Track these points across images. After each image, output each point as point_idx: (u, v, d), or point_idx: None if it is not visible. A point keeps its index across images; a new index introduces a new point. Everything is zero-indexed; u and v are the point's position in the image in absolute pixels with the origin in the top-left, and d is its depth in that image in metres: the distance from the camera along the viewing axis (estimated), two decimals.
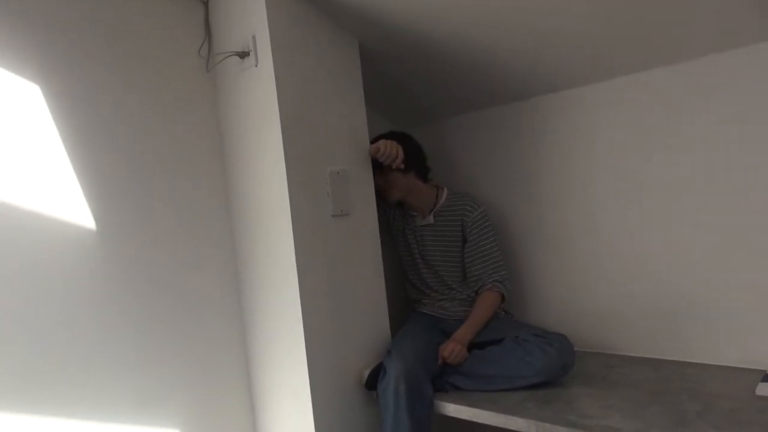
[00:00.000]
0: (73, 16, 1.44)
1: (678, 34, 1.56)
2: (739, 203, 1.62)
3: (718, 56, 1.60)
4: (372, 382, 1.67)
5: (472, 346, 1.77)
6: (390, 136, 1.89)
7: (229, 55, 1.60)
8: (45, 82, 1.37)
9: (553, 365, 1.60)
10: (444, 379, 1.71)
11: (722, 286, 1.67)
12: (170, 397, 1.56)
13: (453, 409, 1.61)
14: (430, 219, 2.00)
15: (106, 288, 1.45)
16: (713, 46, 1.58)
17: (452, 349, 1.71)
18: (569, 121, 1.96)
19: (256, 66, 1.55)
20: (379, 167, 1.89)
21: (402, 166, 1.84)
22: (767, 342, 1.61)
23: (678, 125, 1.71)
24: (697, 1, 1.41)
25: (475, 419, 1.56)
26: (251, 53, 1.55)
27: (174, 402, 1.56)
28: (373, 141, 1.83)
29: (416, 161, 1.99)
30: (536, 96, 2.02)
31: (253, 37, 1.54)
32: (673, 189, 1.74)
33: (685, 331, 1.76)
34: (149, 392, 1.51)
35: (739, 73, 1.58)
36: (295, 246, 1.52)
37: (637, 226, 1.84)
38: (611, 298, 1.92)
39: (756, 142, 1.57)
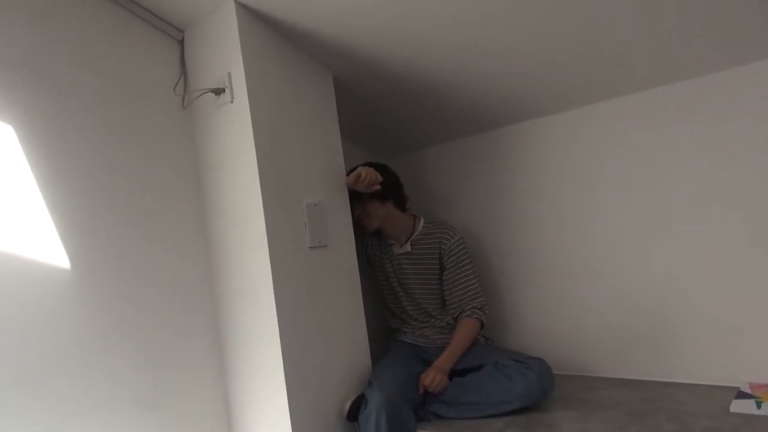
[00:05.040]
0: (48, 56, 1.44)
1: (650, 61, 1.64)
2: (709, 226, 1.68)
3: (693, 81, 1.68)
4: (353, 413, 1.65)
5: (453, 373, 1.78)
6: (367, 166, 1.91)
7: (205, 92, 1.62)
8: (18, 122, 1.37)
9: (534, 390, 1.61)
10: (426, 408, 1.71)
11: (696, 308, 1.72)
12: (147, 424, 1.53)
13: None
14: (408, 247, 2.02)
15: (81, 329, 1.42)
16: (686, 73, 1.68)
17: (433, 378, 1.71)
18: (544, 147, 2.01)
19: (232, 102, 1.57)
20: (357, 197, 1.91)
21: (380, 187, 1.86)
22: (739, 360, 1.65)
23: (654, 149, 1.77)
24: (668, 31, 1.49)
25: None
26: (226, 90, 1.57)
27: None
28: (349, 172, 1.86)
29: (394, 190, 2.02)
30: (511, 124, 2.09)
31: (229, 74, 1.57)
32: (647, 213, 1.80)
33: (661, 351, 1.80)
34: (127, 428, 1.48)
35: (711, 97, 1.66)
36: (273, 278, 1.52)
37: (613, 251, 1.88)
38: (589, 322, 1.95)
39: (725, 164, 1.64)
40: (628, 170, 1.82)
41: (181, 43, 1.72)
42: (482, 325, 1.93)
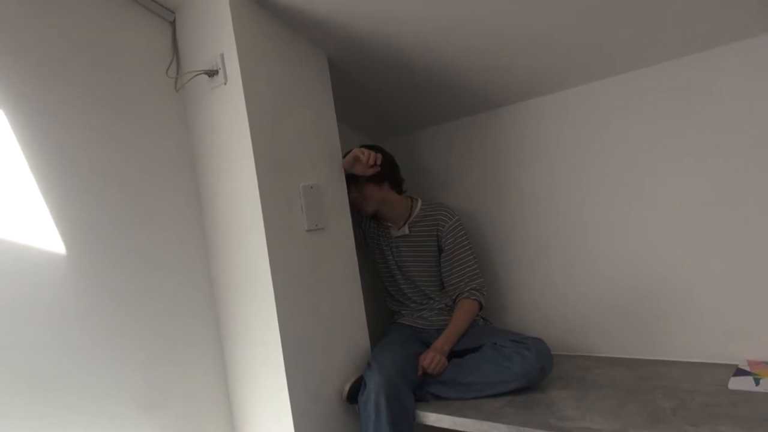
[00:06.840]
0: (41, 39, 1.43)
1: (646, 40, 1.61)
2: (703, 205, 1.67)
3: (686, 59, 1.66)
4: (353, 395, 1.66)
5: (452, 354, 1.78)
6: (362, 148, 1.89)
7: (198, 74, 1.60)
8: (11, 104, 1.36)
9: (532, 369, 1.61)
10: (425, 389, 1.72)
11: (691, 286, 1.72)
12: (149, 418, 1.53)
13: (434, 419, 1.61)
14: (405, 230, 2.01)
15: (77, 314, 1.42)
16: (682, 51, 1.65)
17: (432, 359, 1.71)
18: (538, 128, 1.99)
19: (225, 84, 1.55)
20: (353, 181, 1.89)
21: (380, 169, 1.84)
22: (738, 337, 1.65)
23: (645, 129, 1.75)
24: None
25: (456, 428, 1.56)
26: (220, 71, 1.55)
27: (152, 424, 1.53)
28: (345, 155, 1.84)
29: (390, 173, 2.00)
30: (507, 105, 2.06)
31: (221, 55, 1.55)
32: (639, 194, 1.79)
33: (657, 330, 1.80)
34: (127, 414, 1.49)
35: (699, 77, 1.64)
36: (270, 262, 1.51)
37: (608, 231, 1.87)
38: (586, 302, 1.95)
39: (712, 143, 1.63)
40: (621, 151, 1.80)
41: (173, 24, 1.70)
42: (480, 306, 1.93)
